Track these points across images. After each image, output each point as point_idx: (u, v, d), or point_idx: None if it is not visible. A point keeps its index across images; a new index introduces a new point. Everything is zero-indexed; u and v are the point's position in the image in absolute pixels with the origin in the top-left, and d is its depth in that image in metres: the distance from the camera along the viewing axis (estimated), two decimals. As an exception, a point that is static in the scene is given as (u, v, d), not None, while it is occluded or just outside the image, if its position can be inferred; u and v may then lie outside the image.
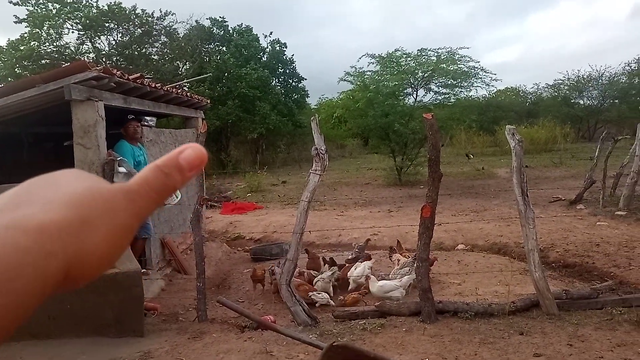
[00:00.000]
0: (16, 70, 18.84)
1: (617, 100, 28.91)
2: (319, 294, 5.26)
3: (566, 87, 30.53)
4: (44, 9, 19.25)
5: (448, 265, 6.72)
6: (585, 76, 29.27)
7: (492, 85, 15.99)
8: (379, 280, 5.22)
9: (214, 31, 23.48)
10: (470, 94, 15.96)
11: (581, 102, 30.69)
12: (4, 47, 19.51)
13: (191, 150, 0.38)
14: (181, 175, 0.37)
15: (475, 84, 15.14)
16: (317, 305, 5.19)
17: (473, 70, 14.94)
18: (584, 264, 6.51)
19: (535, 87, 34.94)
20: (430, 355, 3.62)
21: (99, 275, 0.34)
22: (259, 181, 15.58)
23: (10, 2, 18.84)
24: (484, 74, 14.99)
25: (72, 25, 19.87)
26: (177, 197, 5.65)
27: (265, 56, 25.13)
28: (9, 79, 17.79)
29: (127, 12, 19.93)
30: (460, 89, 15.32)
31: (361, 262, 5.90)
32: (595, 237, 7.36)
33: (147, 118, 6.46)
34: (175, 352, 3.81)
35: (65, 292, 0.33)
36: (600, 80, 28.89)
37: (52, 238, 0.30)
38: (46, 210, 0.31)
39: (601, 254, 6.64)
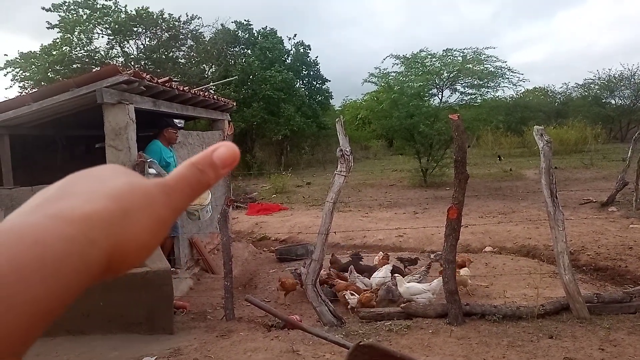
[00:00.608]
0: (49, 74, 19.40)
1: (650, 100, 28.10)
2: (352, 294, 5.23)
3: (597, 87, 29.78)
4: (75, 15, 19.80)
5: (475, 268, 6.65)
6: (616, 75, 28.54)
7: (520, 85, 15.74)
8: (407, 282, 5.17)
9: (239, 34, 23.73)
10: (497, 94, 15.74)
11: (613, 101, 29.94)
12: (38, 52, 20.12)
13: (224, 148, 0.40)
14: (215, 172, 0.39)
15: (502, 84, 14.93)
16: (348, 306, 5.17)
17: (500, 70, 14.72)
18: (616, 268, 6.35)
19: (565, 86, 34.21)
20: (457, 357, 3.60)
21: (139, 263, 0.36)
22: (284, 182, 15.68)
23: (43, 9, 19.46)
24: (511, 73, 14.77)
25: (101, 30, 20.38)
26: (209, 212, 5.73)
27: (289, 58, 25.27)
28: (43, 83, 18.33)
29: (155, 16, 20.34)
30: (486, 89, 15.13)
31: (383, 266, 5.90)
32: (628, 240, 7.17)
33: (176, 120, 6.59)
34: (204, 349, 3.88)
35: (106, 281, 0.35)
36: (632, 79, 28.10)
37: (96, 227, 0.31)
38: (89, 201, 0.33)
39: (634, 257, 6.47)
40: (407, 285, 5.08)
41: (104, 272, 0.33)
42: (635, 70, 27.80)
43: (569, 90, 33.36)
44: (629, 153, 9.97)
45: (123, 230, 0.33)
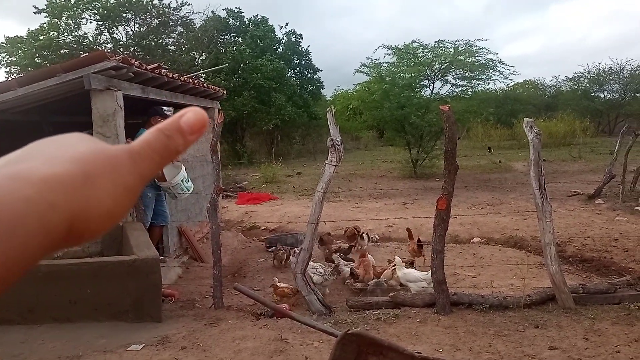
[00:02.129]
0: (36, 59, 19.12)
1: (638, 94, 28.36)
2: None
3: (586, 81, 30.03)
4: (62, 0, 19.47)
5: (463, 258, 6.70)
6: (606, 69, 28.77)
7: (510, 78, 15.80)
8: (406, 267, 5.24)
9: (230, 22, 23.52)
10: (488, 87, 15.81)
11: (601, 95, 30.21)
12: (24, 37, 19.79)
13: (192, 113, 0.38)
14: (182, 138, 0.37)
15: (493, 77, 14.97)
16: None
17: (491, 63, 14.75)
18: (602, 259, 6.44)
19: (555, 80, 34.45)
20: (444, 346, 3.63)
21: (104, 232, 0.34)
22: (274, 172, 15.65)
23: (31, -7, 19.13)
24: (502, 66, 14.81)
25: (90, 16, 20.11)
26: (189, 190, 5.72)
27: (281, 47, 25.11)
28: (29, 68, 18.06)
29: (144, 2, 20.09)
30: (478, 82, 15.18)
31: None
32: (614, 232, 7.27)
33: (165, 108, 6.52)
34: (192, 337, 3.87)
35: (69, 247, 0.34)
36: (621, 74, 28.35)
37: (55, 190, 0.30)
38: (50, 165, 0.31)
39: (620, 249, 6.56)
40: (405, 271, 5.13)
41: (64, 239, 0.31)
42: (624, 64, 28.08)
43: (559, 84, 33.65)
44: (617, 146, 10.08)
45: (85, 195, 0.32)
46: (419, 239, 6.34)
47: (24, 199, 0.28)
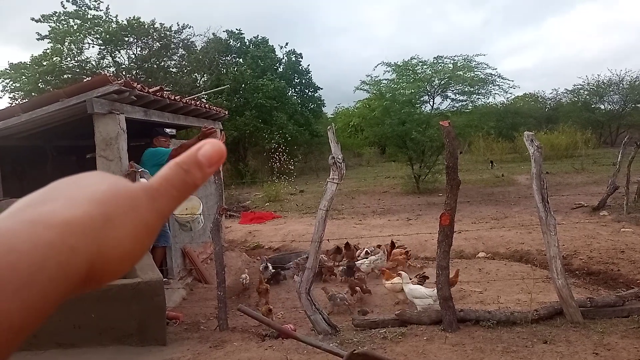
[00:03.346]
0: (39, 85, 19.31)
1: (639, 105, 28.41)
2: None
3: (586, 92, 30.12)
4: (65, 25, 19.75)
5: (469, 274, 6.65)
6: (605, 81, 28.88)
7: (510, 92, 15.86)
8: (413, 283, 5.24)
9: (231, 43, 23.79)
10: (488, 101, 15.87)
11: (602, 107, 30.27)
12: (28, 63, 20.03)
13: (209, 146, 0.37)
14: (201, 171, 0.37)
15: (492, 91, 15.04)
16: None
17: (490, 77, 14.85)
18: (609, 272, 6.38)
19: (554, 92, 34.55)
20: (452, 364, 3.58)
21: (123, 273, 0.34)
22: (277, 190, 15.65)
23: (33, 19, 19.41)
24: (502, 80, 14.89)
25: (92, 40, 20.34)
26: (201, 223, 5.69)
27: (281, 67, 25.37)
28: (33, 93, 18.23)
29: (146, 26, 20.34)
30: (477, 96, 15.23)
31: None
32: (620, 243, 7.21)
33: (167, 130, 6.57)
34: (197, 360, 3.84)
35: (88, 292, 0.33)
36: (621, 85, 28.46)
37: (76, 233, 0.30)
38: (70, 207, 0.31)
39: (626, 261, 6.51)
40: (411, 287, 5.11)
41: (85, 282, 0.31)
42: (624, 75, 28.21)
43: (559, 96, 33.75)
44: (619, 157, 10.07)
45: (105, 236, 0.31)
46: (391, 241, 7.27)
47: (44, 244, 0.28)
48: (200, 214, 5.44)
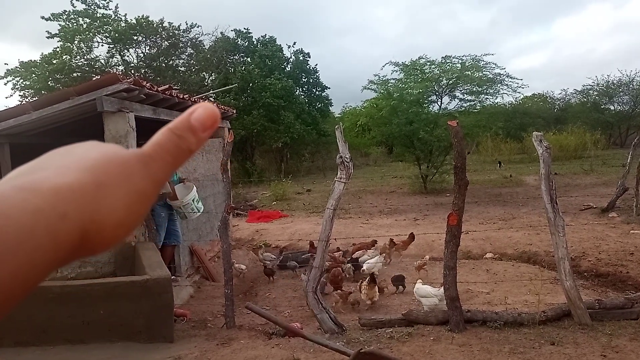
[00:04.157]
0: (49, 83, 19.46)
1: (649, 106, 28.16)
2: None
3: (595, 93, 29.86)
4: (75, 24, 19.89)
5: (476, 274, 6.63)
6: (615, 81, 28.62)
7: (519, 92, 15.76)
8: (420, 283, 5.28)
9: (239, 42, 23.85)
10: (496, 101, 15.78)
11: (611, 107, 30.00)
12: (38, 61, 20.19)
13: (202, 109, 0.36)
14: (194, 136, 0.36)
15: (501, 91, 14.97)
16: None
17: (498, 77, 14.79)
18: (618, 273, 6.34)
19: (563, 93, 34.29)
20: (459, 364, 3.58)
21: (118, 242, 0.33)
22: (284, 190, 15.68)
23: (43, 18, 19.57)
24: (510, 80, 14.82)
25: (101, 39, 20.49)
26: (199, 210, 5.75)
27: (289, 66, 25.37)
28: (43, 92, 18.39)
29: (155, 25, 20.44)
30: (485, 96, 15.17)
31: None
32: (629, 245, 7.16)
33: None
34: (204, 357, 3.86)
35: (84, 258, 0.33)
36: (631, 85, 28.18)
37: (66, 200, 0.29)
38: (61, 174, 0.31)
39: (635, 263, 6.46)
40: (417, 286, 5.14)
41: (77, 250, 0.30)
42: (634, 76, 27.93)
43: (568, 97, 33.47)
44: (629, 159, 9.98)
45: (97, 203, 0.31)
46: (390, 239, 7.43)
47: (32, 210, 0.28)
48: (194, 201, 5.47)
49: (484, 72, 14.71)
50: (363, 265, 6.66)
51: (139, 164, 0.34)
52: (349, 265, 6.79)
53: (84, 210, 0.30)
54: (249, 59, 23.69)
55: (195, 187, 5.75)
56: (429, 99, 15.69)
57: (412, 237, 7.69)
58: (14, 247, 0.26)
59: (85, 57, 20.49)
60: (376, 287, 5.63)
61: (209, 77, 22.50)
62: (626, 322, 4.19)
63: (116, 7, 20.28)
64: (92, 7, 19.90)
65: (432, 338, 4.08)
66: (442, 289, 5.01)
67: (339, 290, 5.84)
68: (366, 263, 6.64)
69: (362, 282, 5.78)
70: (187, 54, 22.03)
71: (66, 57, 19.64)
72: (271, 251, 9.11)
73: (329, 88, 26.74)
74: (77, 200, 0.30)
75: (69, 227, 0.29)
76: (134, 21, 20.19)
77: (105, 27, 20.07)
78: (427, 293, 4.99)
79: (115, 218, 0.32)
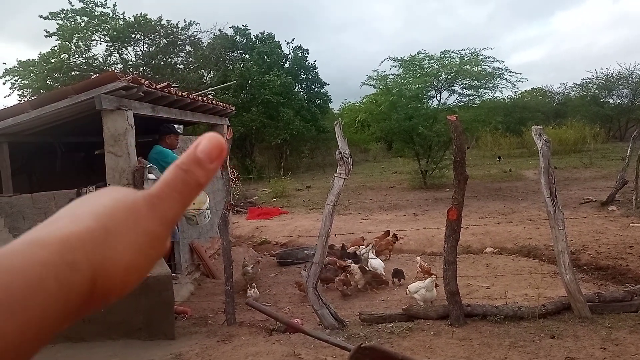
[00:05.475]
0: (48, 82, 19.43)
1: (648, 99, 28.14)
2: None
3: (595, 86, 29.83)
4: (72, 22, 19.85)
5: (476, 269, 6.64)
6: (614, 74, 28.59)
7: (517, 86, 15.74)
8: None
9: (237, 39, 23.80)
10: (495, 95, 15.76)
11: (611, 101, 29.96)
12: (36, 60, 20.16)
13: (206, 141, 0.36)
14: (202, 169, 0.35)
15: (500, 85, 14.93)
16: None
17: (498, 71, 14.73)
18: (617, 267, 6.35)
19: (563, 87, 34.28)
20: (459, 358, 3.59)
21: (130, 288, 0.33)
22: (284, 186, 15.68)
23: (41, 17, 19.53)
24: (509, 74, 14.78)
25: (100, 37, 20.44)
26: (208, 217, 5.71)
27: (287, 63, 25.33)
28: (42, 90, 18.36)
29: (153, 23, 20.40)
30: (485, 90, 15.14)
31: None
32: (629, 238, 7.17)
33: (175, 126, 6.60)
34: (205, 354, 3.87)
35: (96, 310, 0.31)
36: (630, 79, 28.14)
37: (74, 249, 0.29)
38: (71, 223, 0.31)
39: (635, 256, 6.47)
40: (409, 287, 5.30)
41: (89, 300, 0.30)
42: (633, 69, 27.89)
43: (567, 90, 33.45)
44: (628, 152, 9.97)
45: (106, 249, 0.30)
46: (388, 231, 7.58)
47: (40, 262, 0.27)
48: (207, 209, 5.45)
49: (482, 67, 14.68)
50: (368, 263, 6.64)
51: (146, 206, 0.33)
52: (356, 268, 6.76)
53: (93, 257, 0.30)
54: (247, 56, 23.66)
55: (207, 196, 5.63)
56: (428, 94, 15.66)
57: (387, 234, 7.65)
58: (22, 301, 0.26)
59: (84, 55, 20.46)
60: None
61: (207, 75, 22.47)
62: (626, 314, 4.21)
63: (114, 5, 20.26)
64: (90, 5, 19.85)
65: (432, 333, 4.09)
66: (426, 280, 5.12)
67: (341, 277, 5.93)
68: (371, 259, 6.61)
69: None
70: (185, 51, 21.99)
71: (64, 56, 19.61)
72: (272, 248, 9.14)
73: (328, 84, 26.75)
74: (86, 248, 0.30)
75: (80, 277, 0.29)
76: (132, 19, 20.15)
77: (104, 25, 20.03)
78: (417, 287, 5.13)
79: (124, 262, 0.31)
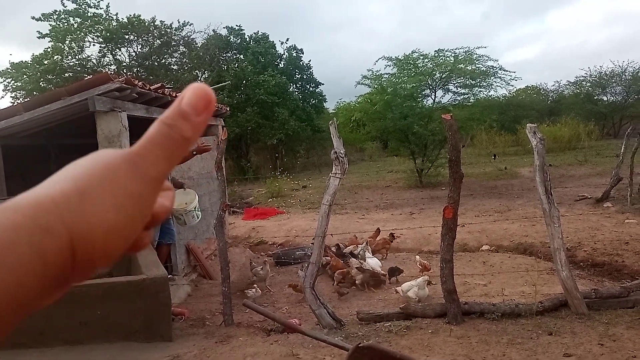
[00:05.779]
0: (41, 84, 19.32)
1: (642, 96, 28.29)
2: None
3: (588, 84, 29.95)
4: (65, 24, 19.74)
5: (473, 267, 6.66)
6: (607, 72, 28.72)
7: (512, 84, 15.77)
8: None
9: (231, 40, 23.74)
10: (489, 94, 15.79)
11: (604, 98, 30.10)
12: (29, 62, 20.04)
13: (191, 92, 0.33)
14: (187, 122, 0.33)
15: (494, 84, 14.98)
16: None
17: (492, 70, 14.78)
18: (613, 263, 6.38)
19: (557, 84, 34.37)
20: (458, 356, 3.59)
21: (115, 253, 0.31)
22: (280, 186, 15.66)
23: (33, 18, 19.40)
24: (503, 72, 14.83)
25: (93, 39, 20.34)
26: (197, 217, 5.69)
27: (282, 63, 25.30)
28: (35, 92, 18.26)
29: (147, 24, 20.32)
30: (479, 89, 15.18)
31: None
32: (624, 235, 7.20)
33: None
34: (203, 355, 3.85)
35: (85, 276, 0.30)
36: (623, 76, 28.28)
37: (47, 212, 0.28)
38: (47, 187, 0.30)
39: (631, 252, 6.50)
40: (402, 286, 5.34)
41: (73, 266, 0.29)
42: (626, 67, 28.02)
43: (561, 88, 33.57)
44: (622, 149, 10.03)
45: (82, 212, 0.29)
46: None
47: (11, 226, 0.27)
48: (195, 209, 5.42)
49: (477, 65, 14.72)
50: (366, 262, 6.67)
51: (125, 164, 0.31)
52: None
53: (69, 220, 0.28)
54: (241, 56, 23.60)
55: (197, 195, 5.62)
56: (423, 93, 15.69)
57: (378, 232, 7.80)
58: None
59: (77, 57, 20.35)
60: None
61: (201, 75, 22.41)
62: (622, 310, 4.22)
63: (107, 6, 20.16)
64: (83, 6, 19.75)
65: (430, 331, 4.09)
66: (418, 279, 5.15)
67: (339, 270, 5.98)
68: (368, 258, 6.64)
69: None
70: (179, 52, 21.92)
71: (57, 58, 19.50)
72: (269, 248, 9.13)
73: (323, 84, 26.72)
74: (60, 210, 0.28)
75: (56, 241, 0.28)
76: (126, 20, 20.05)
77: (97, 26, 19.93)
78: (410, 286, 5.18)
79: (105, 225, 0.29)
